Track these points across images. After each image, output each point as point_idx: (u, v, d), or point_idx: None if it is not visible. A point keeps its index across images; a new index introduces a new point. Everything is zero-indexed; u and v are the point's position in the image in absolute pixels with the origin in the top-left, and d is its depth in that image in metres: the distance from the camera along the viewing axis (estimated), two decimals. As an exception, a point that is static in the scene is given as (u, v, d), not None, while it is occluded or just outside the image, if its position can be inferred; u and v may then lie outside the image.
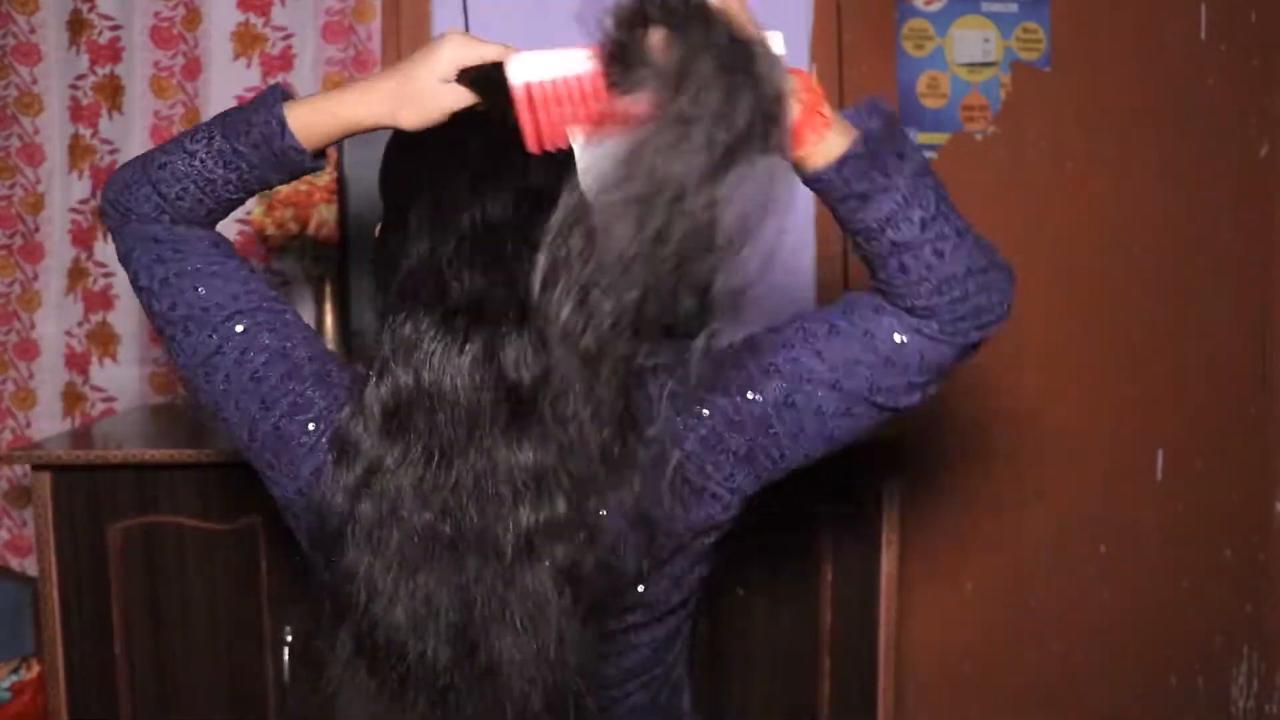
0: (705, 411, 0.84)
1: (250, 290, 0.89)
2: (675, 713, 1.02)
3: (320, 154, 0.89)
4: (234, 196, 0.89)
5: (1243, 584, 2.35)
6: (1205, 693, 2.35)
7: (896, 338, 0.81)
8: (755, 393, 0.83)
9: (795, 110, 0.75)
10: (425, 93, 0.82)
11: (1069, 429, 2.25)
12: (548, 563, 0.79)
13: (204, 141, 0.86)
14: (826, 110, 0.77)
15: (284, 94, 0.87)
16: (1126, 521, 2.29)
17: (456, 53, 0.82)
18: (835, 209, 0.80)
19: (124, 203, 0.88)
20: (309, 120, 0.85)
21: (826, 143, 0.77)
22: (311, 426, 0.86)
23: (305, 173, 0.89)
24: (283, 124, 0.84)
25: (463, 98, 0.83)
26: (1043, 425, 2.25)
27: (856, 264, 2.19)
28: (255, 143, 0.85)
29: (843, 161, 0.77)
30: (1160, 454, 2.30)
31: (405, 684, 0.81)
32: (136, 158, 0.90)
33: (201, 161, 0.86)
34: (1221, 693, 2.36)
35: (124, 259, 0.90)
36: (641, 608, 0.91)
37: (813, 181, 0.79)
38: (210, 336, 0.87)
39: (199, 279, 0.87)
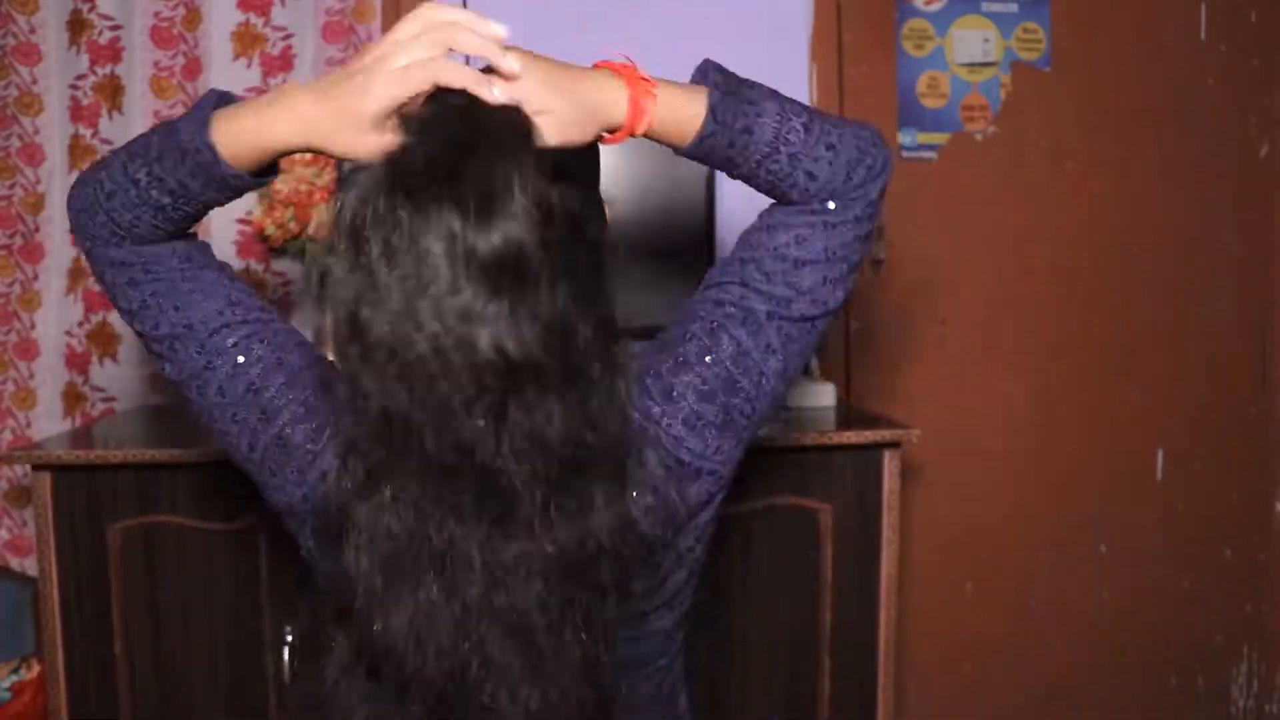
0: (676, 393, 0.86)
1: (234, 303, 0.87)
2: (675, 710, 1.03)
3: (269, 169, 0.85)
4: (189, 217, 0.85)
5: (1243, 584, 2.35)
6: (1205, 693, 2.35)
7: (795, 237, 0.86)
8: (711, 354, 0.86)
9: (621, 89, 0.81)
10: (354, 134, 0.77)
11: (1069, 429, 2.26)
12: (526, 577, 0.78)
13: (144, 170, 0.82)
14: (648, 76, 0.83)
15: (218, 101, 0.83)
16: (1126, 521, 2.29)
17: (391, 89, 0.75)
18: (730, 158, 0.85)
19: (85, 229, 0.85)
20: (238, 145, 0.80)
21: (679, 108, 0.83)
22: (317, 433, 0.85)
23: (256, 188, 0.85)
24: (214, 152, 0.80)
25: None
26: (1043, 425, 2.25)
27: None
28: (193, 171, 0.81)
29: (712, 111, 0.83)
30: (1160, 454, 2.30)
31: (405, 691, 0.81)
32: (88, 173, 0.85)
33: (146, 190, 0.82)
34: (1221, 693, 2.36)
35: (99, 281, 0.88)
36: (647, 597, 0.91)
37: (699, 144, 0.84)
38: (197, 353, 0.86)
39: (176, 297, 0.85)
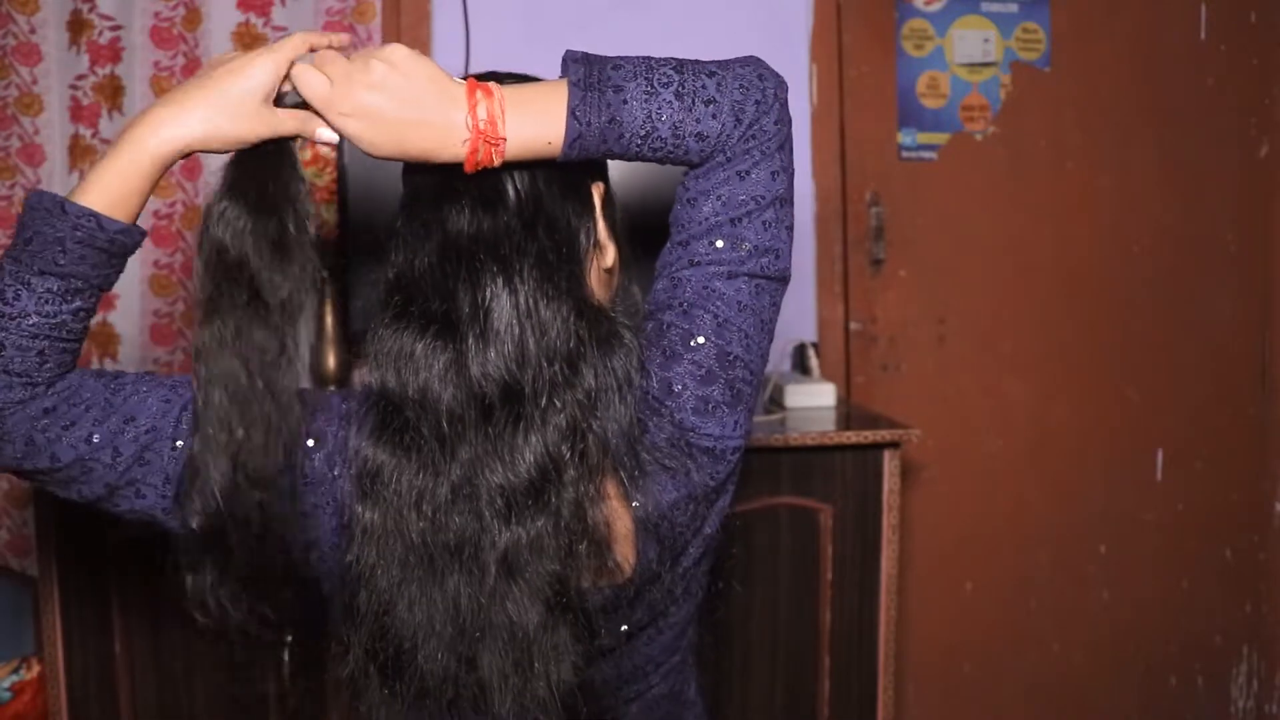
0: (677, 387, 0.85)
1: (170, 385, 0.82)
2: (685, 700, 1.04)
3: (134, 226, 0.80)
4: (83, 326, 0.78)
5: (1243, 584, 2.35)
6: (1205, 693, 2.35)
7: (720, 201, 0.83)
8: (696, 336, 0.85)
9: (461, 147, 0.78)
10: (243, 119, 0.77)
11: (1069, 429, 2.26)
12: (527, 581, 0.79)
13: (27, 297, 0.74)
14: (502, 128, 0.78)
15: (50, 196, 0.76)
16: (1126, 521, 2.29)
17: (268, 64, 0.78)
18: (610, 150, 0.81)
19: None
20: (113, 193, 0.76)
21: (535, 132, 0.79)
22: (334, 455, 0.84)
23: (133, 250, 0.79)
24: (93, 215, 0.75)
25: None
26: (1043, 425, 2.25)
27: (855, 264, 2.18)
28: (80, 254, 0.75)
29: (572, 114, 0.78)
30: (1160, 454, 2.30)
31: (421, 693, 0.81)
32: None
33: (40, 315, 0.75)
34: (1221, 693, 2.36)
35: (31, 461, 0.78)
36: (659, 602, 0.92)
37: (569, 150, 0.80)
38: (172, 452, 0.80)
39: (119, 410, 0.79)
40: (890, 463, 1.65)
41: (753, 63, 0.84)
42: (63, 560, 1.53)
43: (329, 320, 1.90)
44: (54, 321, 0.76)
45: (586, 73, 0.79)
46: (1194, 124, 2.25)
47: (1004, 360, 2.23)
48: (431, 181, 0.84)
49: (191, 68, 1.94)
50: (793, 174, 0.86)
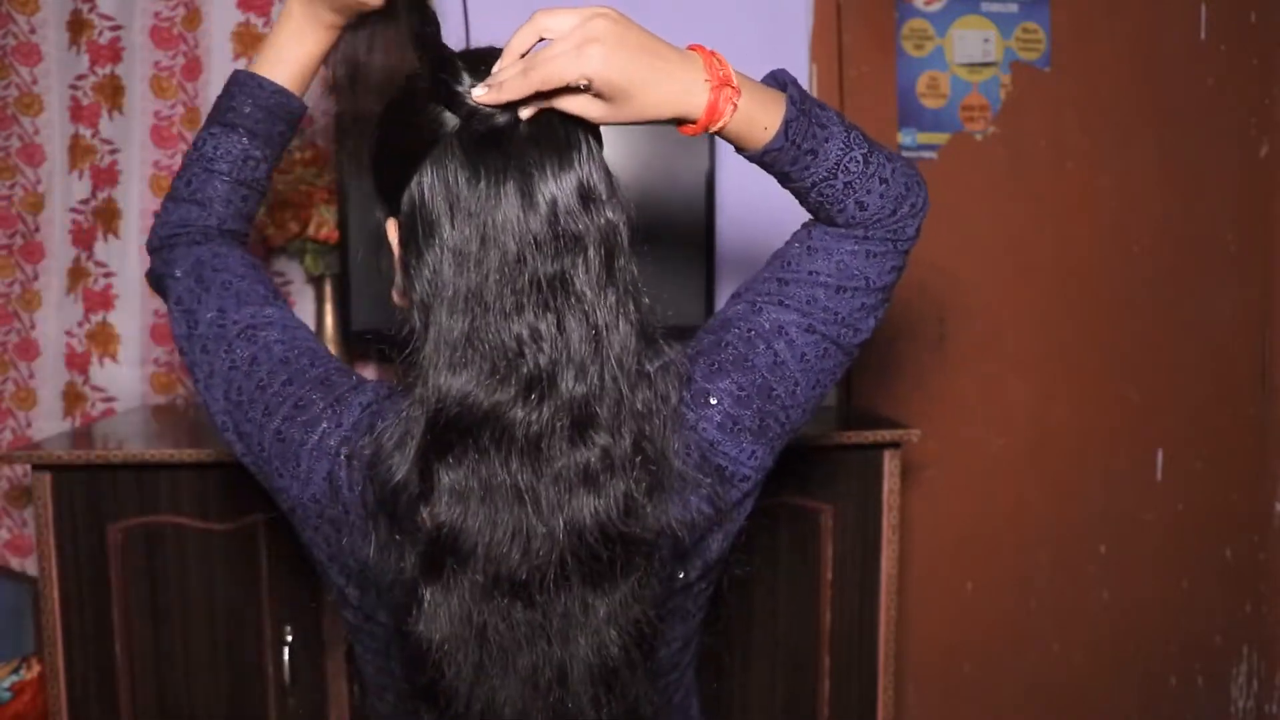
0: (714, 400, 0.86)
1: (273, 302, 0.94)
2: (690, 716, 1.03)
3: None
4: (255, 177, 1.00)
5: (1243, 584, 2.35)
6: (1205, 693, 2.35)
7: (838, 265, 0.87)
8: (748, 361, 0.86)
9: (704, 90, 0.80)
10: None
11: (1069, 429, 2.26)
12: (621, 633, 0.80)
13: (212, 144, 0.99)
14: (736, 81, 0.81)
15: (238, 70, 1.02)
16: (1126, 521, 2.29)
17: None
18: (788, 173, 0.85)
19: (172, 230, 0.99)
20: (273, 65, 1.00)
21: (754, 119, 0.82)
22: (310, 427, 0.85)
23: (301, 113, 1.02)
24: (257, 79, 0.99)
25: None
26: (1043, 425, 2.25)
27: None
28: (248, 111, 0.99)
29: (786, 126, 0.82)
30: (1160, 454, 2.30)
31: None
32: (170, 194, 1.02)
33: (225, 160, 0.98)
34: (1221, 693, 2.36)
35: (166, 281, 0.97)
36: (677, 601, 0.92)
37: (763, 154, 0.84)
38: (235, 349, 0.90)
39: (232, 290, 0.93)
40: (890, 463, 1.65)
41: (915, 168, 0.90)
42: (63, 560, 1.53)
43: (329, 320, 1.90)
44: (233, 164, 0.98)
45: (801, 98, 0.84)
46: (1194, 124, 2.25)
47: (1004, 360, 2.23)
48: (481, 173, 0.78)
49: (191, 67, 1.94)
50: (901, 275, 0.91)
